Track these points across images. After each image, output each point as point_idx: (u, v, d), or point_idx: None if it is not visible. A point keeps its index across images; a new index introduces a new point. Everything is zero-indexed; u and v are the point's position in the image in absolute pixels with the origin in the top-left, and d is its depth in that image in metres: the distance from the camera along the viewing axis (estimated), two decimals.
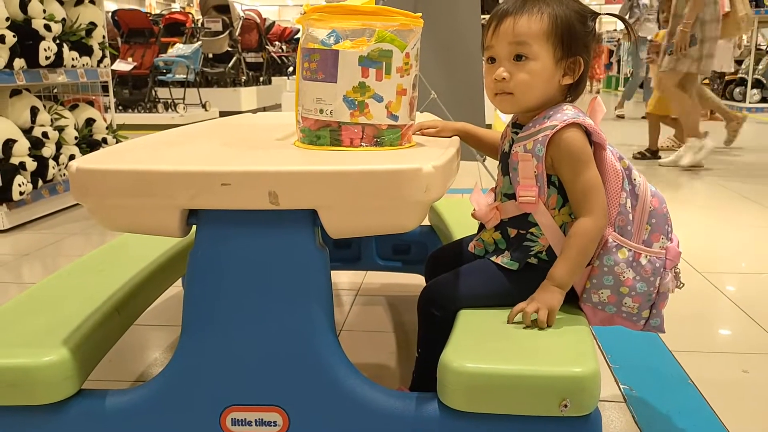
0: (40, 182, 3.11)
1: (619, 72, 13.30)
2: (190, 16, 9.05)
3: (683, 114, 4.43)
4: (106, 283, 1.25)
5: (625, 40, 11.99)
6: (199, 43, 7.89)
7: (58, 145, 3.27)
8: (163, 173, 0.92)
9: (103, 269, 1.36)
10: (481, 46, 1.15)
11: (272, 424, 1.00)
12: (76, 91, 3.87)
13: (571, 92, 1.14)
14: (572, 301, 1.13)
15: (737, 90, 8.50)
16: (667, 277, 1.12)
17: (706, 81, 8.31)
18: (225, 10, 8.35)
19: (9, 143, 2.90)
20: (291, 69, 10.46)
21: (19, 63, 2.96)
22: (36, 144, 3.05)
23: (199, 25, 8.52)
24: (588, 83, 1.24)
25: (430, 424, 0.95)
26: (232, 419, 1.00)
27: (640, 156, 4.79)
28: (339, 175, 0.91)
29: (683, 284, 1.16)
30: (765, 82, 8.37)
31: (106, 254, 1.48)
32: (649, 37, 6.41)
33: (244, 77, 8.82)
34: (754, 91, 8.32)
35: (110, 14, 7.10)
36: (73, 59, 3.36)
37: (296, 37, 11.59)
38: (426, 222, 1.84)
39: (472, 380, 0.91)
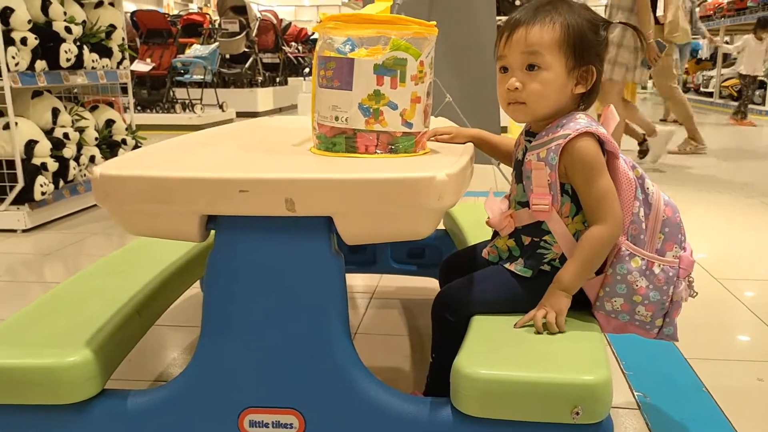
0: (62, 182, 3.16)
1: None
2: (208, 16, 9.14)
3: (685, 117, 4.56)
4: (127, 285, 1.28)
5: None
6: (217, 44, 7.96)
7: (79, 146, 3.32)
8: (183, 180, 0.94)
9: (123, 270, 1.39)
10: (494, 54, 1.15)
11: (289, 426, 1.02)
12: (96, 92, 3.92)
13: (584, 101, 1.14)
14: (586, 309, 1.14)
15: (757, 93, 8.39)
16: (681, 286, 1.12)
17: (735, 81, 8.24)
18: (242, 11, 8.41)
19: (31, 144, 2.95)
20: (307, 70, 10.49)
21: (40, 65, 3.01)
22: (57, 145, 3.10)
23: (217, 26, 8.59)
24: None
25: (443, 429, 0.97)
26: (250, 421, 1.02)
27: (641, 155, 4.68)
28: (354, 183, 0.92)
29: (696, 293, 1.16)
30: None
31: (126, 256, 1.51)
32: None
33: (261, 78, 8.88)
34: None
35: (129, 15, 7.17)
36: (93, 61, 3.40)
37: (312, 37, 11.64)
38: (440, 226, 1.85)
39: (484, 386, 0.92)
